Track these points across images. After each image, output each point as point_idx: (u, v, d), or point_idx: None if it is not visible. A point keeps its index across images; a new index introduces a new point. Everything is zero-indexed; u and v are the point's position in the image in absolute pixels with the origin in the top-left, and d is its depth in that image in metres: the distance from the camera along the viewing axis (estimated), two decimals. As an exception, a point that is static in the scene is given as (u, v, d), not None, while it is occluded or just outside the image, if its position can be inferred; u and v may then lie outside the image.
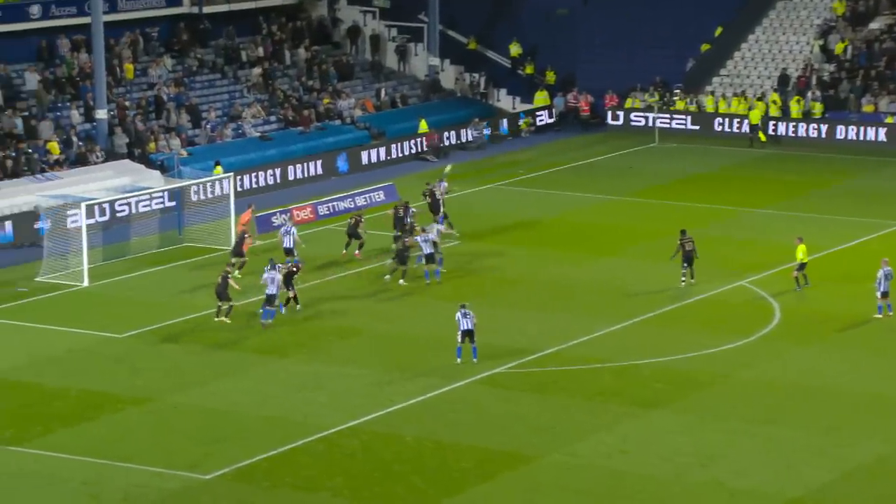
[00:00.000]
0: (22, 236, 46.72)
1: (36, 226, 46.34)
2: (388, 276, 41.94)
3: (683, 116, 63.65)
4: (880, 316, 38.73)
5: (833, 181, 55.61)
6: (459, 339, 35.36)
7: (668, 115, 63.52)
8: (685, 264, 41.61)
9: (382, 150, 59.12)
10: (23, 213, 47.28)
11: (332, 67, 64.06)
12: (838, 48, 63.48)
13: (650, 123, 63.48)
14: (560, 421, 32.36)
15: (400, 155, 59.58)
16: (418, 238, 41.86)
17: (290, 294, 39.28)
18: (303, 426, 32.04)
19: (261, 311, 38.59)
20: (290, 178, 55.35)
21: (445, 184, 47.00)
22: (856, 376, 35.08)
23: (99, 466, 29.95)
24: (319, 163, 56.56)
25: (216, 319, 38.65)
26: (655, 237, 47.46)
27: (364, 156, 58.49)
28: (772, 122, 62.03)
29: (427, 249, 41.66)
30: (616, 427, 31.95)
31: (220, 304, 38.60)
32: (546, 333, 37.65)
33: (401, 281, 41.66)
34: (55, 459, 30.34)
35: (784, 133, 61.87)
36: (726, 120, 62.91)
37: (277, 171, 55.05)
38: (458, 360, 35.40)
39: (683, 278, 41.57)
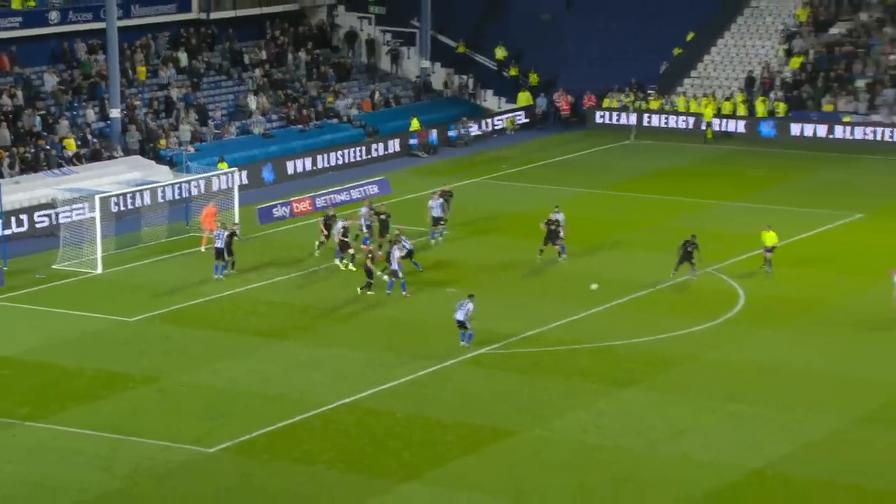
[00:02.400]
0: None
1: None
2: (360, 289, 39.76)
3: (657, 115, 63.62)
4: None
5: (795, 176, 55.62)
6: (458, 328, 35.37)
7: (643, 115, 63.51)
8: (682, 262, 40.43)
9: (380, 147, 59.05)
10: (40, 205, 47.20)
11: (331, 69, 63.95)
12: (793, 63, 63.46)
13: (626, 122, 63.44)
14: (540, 398, 32.35)
15: (393, 151, 59.51)
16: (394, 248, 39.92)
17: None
18: (300, 403, 32.01)
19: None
20: (290, 172, 55.25)
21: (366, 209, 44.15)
22: (813, 357, 35.11)
23: (111, 440, 29.91)
24: (319, 156, 56.50)
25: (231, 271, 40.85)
26: (630, 228, 47.49)
27: (359, 152, 58.39)
28: (734, 121, 62.07)
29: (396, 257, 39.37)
30: (592, 404, 31.95)
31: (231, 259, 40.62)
32: (528, 317, 37.63)
33: (358, 289, 39.55)
34: (70, 434, 30.30)
35: (745, 132, 61.86)
36: (698, 119, 62.87)
37: (279, 166, 54.94)
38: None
39: (678, 272, 40.04)
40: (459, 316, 35.25)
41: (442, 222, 44.74)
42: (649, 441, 29.89)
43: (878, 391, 32.74)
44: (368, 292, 39.49)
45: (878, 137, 59.84)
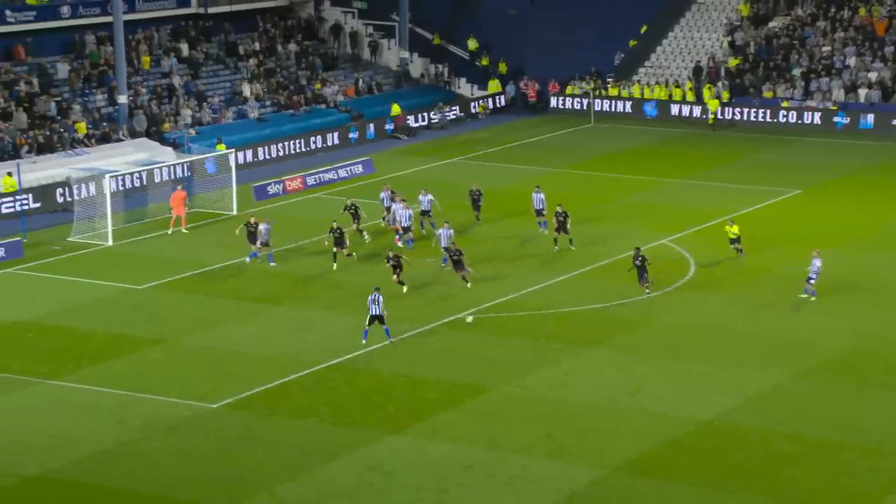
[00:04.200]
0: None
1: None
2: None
3: (615, 101, 63.55)
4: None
5: (739, 155, 55.72)
6: (367, 323, 32.65)
7: (601, 100, 63.44)
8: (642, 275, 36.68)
9: (362, 130, 58.79)
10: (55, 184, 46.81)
11: (318, 59, 63.55)
12: (731, 63, 63.41)
13: (586, 107, 63.36)
14: (512, 358, 32.37)
15: (376, 134, 59.25)
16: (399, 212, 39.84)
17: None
18: (295, 363, 31.94)
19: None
20: (282, 153, 54.89)
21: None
22: (756, 319, 35.23)
23: (122, 397, 29.80)
24: (313, 139, 56.18)
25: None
26: (590, 203, 47.45)
27: (347, 134, 58.11)
28: (687, 107, 62.02)
29: (444, 242, 38.36)
30: (559, 363, 32.00)
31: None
32: (501, 285, 37.61)
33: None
34: (85, 391, 30.17)
35: (697, 115, 61.90)
36: (651, 104, 62.87)
37: (272, 148, 54.65)
38: (364, 341, 32.66)
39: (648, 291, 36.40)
40: (376, 311, 32.50)
41: (544, 212, 42.21)
42: (610, 396, 29.98)
43: (816, 350, 32.90)
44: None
45: (813, 121, 59.98)
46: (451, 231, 39.17)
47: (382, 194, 43.54)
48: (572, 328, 34.57)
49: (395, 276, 36.37)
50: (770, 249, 40.94)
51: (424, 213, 42.74)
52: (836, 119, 59.54)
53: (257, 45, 62.19)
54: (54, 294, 37.45)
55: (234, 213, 45.28)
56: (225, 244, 41.37)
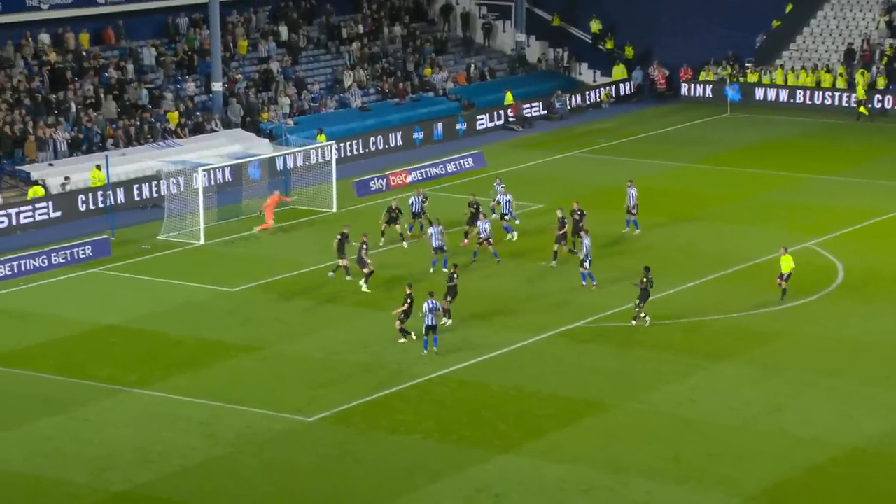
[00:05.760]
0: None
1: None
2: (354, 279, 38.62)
3: (754, 88, 62.60)
4: None
5: (893, 149, 54.43)
6: (423, 333, 32.81)
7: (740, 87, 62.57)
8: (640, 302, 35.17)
9: (472, 120, 58.93)
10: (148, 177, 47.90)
11: (427, 43, 63.90)
12: (888, 46, 61.90)
13: (722, 95, 62.58)
14: (634, 372, 32.14)
15: (488, 125, 59.36)
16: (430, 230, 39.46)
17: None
18: (397, 374, 32.15)
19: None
20: (386, 145, 55.31)
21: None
22: (913, 333, 34.43)
23: (213, 408, 30.34)
24: (419, 129, 56.50)
25: (348, 279, 38.34)
26: (726, 201, 46.87)
27: (456, 125, 58.31)
28: (837, 94, 60.77)
29: (436, 242, 38.78)
30: (686, 378, 31.67)
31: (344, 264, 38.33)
32: (622, 291, 37.34)
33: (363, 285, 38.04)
34: (174, 401, 30.79)
35: (848, 104, 60.64)
36: (795, 92, 61.79)
37: (378, 139, 55.10)
38: (425, 351, 32.87)
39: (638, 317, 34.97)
40: (430, 321, 32.44)
41: (634, 210, 42.32)
42: (745, 416, 29.56)
43: (980, 369, 32.02)
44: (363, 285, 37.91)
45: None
46: (442, 227, 39.26)
47: (497, 187, 43.56)
48: (701, 340, 34.20)
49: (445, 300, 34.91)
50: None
51: (416, 215, 42.35)
52: None
53: (361, 28, 62.83)
54: (143, 296, 38.27)
55: (335, 209, 45.82)
56: (324, 248, 41.85)
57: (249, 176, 46.72)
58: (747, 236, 42.15)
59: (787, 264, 36.35)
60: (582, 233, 39.09)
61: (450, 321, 34.88)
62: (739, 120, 60.39)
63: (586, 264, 37.52)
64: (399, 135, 55.94)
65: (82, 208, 46.10)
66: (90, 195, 46.36)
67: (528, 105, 60.86)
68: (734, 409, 29.94)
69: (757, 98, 62.37)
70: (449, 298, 34.97)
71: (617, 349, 33.57)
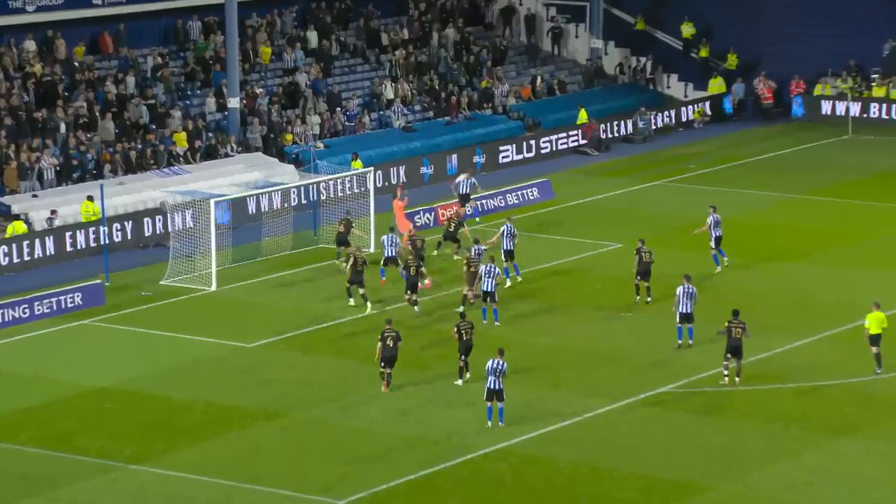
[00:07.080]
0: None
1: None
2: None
3: (882, 105, 62.41)
4: None
5: None
6: (486, 398, 32.76)
7: (864, 104, 62.35)
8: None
9: (538, 142, 59.14)
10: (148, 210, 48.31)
11: (484, 51, 64.26)
12: None
13: (843, 112, 62.34)
14: (734, 447, 32.01)
15: (556, 148, 59.49)
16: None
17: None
18: (445, 447, 32.14)
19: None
20: (435, 172, 55.48)
21: None
22: None
23: (225, 488, 30.38)
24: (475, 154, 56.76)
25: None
26: (848, 241, 46.71)
27: (520, 148, 58.45)
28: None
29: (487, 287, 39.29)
30: (799, 455, 31.54)
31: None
32: (718, 349, 37.11)
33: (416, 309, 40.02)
34: (178, 479, 30.85)
35: None
36: (797, 101, 62.00)
37: (422, 165, 55.34)
38: (489, 423, 32.85)
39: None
40: (495, 384, 32.45)
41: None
42: (871, 502, 29.40)
43: None
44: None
45: None
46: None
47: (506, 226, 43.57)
48: (818, 409, 34.04)
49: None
50: None
51: (389, 259, 42.83)
52: None
53: (405, 33, 63.32)
54: (143, 353, 38.47)
55: (371, 249, 45.98)
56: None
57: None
58: (873, 283, 41.91)
59: (875, 324, 35.48)
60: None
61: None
62: (863, 143, 60.16)
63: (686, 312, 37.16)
64: (454, 157, 55.97)
65: (71, 248, 46.57)
66: (81, 232, 46.84)
67: (604, 125, 61.05)
68: (857, 492, 29.77)
69: (873, 114, 62.01)
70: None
71: (712, 419, 33.42)
